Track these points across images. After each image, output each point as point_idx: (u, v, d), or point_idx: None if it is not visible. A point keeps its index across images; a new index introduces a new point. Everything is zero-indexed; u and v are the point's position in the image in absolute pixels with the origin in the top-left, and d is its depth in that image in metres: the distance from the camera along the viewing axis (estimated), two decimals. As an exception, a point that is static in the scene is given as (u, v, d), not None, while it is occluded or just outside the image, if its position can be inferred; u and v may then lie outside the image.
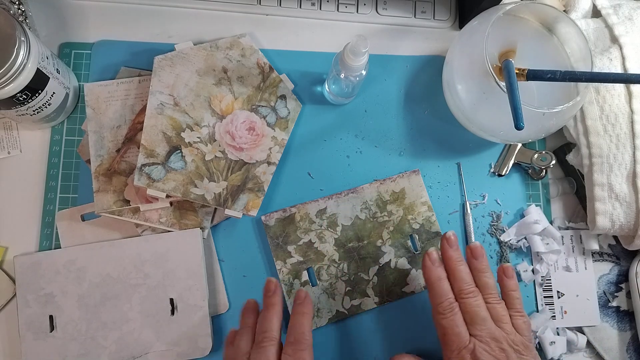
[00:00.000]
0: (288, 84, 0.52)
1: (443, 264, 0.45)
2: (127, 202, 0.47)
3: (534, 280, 0.53)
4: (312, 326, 0.48)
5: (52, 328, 0.46)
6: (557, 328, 0.52)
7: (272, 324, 0.41)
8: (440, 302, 0.43)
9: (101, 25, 0.53)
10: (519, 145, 0.54)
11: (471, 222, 0.52)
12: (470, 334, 0.42)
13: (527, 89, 0.47)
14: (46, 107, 0.46)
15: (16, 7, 0.49)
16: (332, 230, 0.50)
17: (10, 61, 0.40)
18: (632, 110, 0.49)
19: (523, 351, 0.42)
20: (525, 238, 0.53)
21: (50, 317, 0.46)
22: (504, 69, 0.44)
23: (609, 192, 0.49)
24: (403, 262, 0.51)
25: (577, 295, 0.53)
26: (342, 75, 0.46)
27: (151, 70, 0.49)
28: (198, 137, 0.48)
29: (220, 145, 0.49)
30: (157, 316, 0.47)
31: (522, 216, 0.53)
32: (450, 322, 0.42)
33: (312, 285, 0.49)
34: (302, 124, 0.53)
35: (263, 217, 0.50)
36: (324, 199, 0.51)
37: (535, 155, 0.52)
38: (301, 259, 0.50)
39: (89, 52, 0.52)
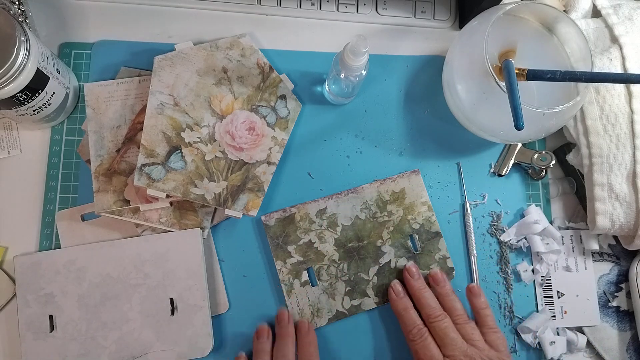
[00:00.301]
0: (288, 84, 0.52)
1: (407, 295, 0.48)
2: (127, 202, 0.47)
3: (534, 280, 0.53)
4: (312, 326, 0.48)
5: (52, 328, 0.46)
6: (557, 328, 0.52)
7: (289, 351, 0.45)
8: (410, 329, 0.46)
9: (101, 25, 0.53)
10: (519, 145, 0.54)
11: (471, 222, 0.52)
12: (444, 356, 0.44)
13: (527, 89, 0.47)
14: (46, 107, 0.46)
15: (16, 7, 0.49)
16: (332, 230, 0.50)
17: (10, 61, 0.40)
18: (632, 110, 0.49)
19: None
20: (525, 238, 0.53)
21: (50, 317, 0.46)
22: (504, 69, 0.44)
23: (609, 192, 0.49)
24: (403, 262, 0.51)
25: (577, 295, 0.53)
26: (342, 75, 0.46)
27: (151, 70, 0.49)
28: (198, 137, 0.48)
29: (220, 145, 0.49)
30: (157, 316, 0.47)
31: (522, 216, 0.53)
32: (422, 347, 0.45)
33: (312, 285, 0.49)
34: (302, 124, 0.53)
35: (263, 217, 0.50)
36: (324, 199, 0.51)
37: (535, 155, 0.52)
38: (301, 259, 0.50)
39: (89, 52, 0.52)
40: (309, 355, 0.45)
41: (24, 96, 0.43)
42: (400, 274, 0.50)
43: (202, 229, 0.48)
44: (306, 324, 0.47)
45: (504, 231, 0.53)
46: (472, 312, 0.49)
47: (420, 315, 0.47)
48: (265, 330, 0.47)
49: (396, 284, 0.49)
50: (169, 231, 0.48)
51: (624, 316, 0.53)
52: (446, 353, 0.44)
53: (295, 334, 0.47)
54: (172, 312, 0.47)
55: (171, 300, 0.47)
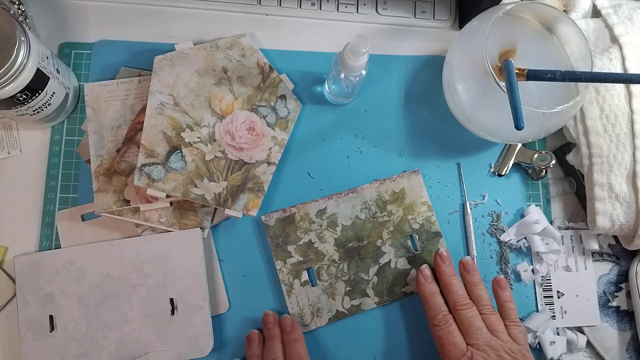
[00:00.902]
0: (288, 84, 0.52)
1: (435, 280, 0.48)
2: (127, 202, 0.47)
3: (534, 280, 0.53)
4: (313, 327, 0.48)
5: (52, 328, 0.46)
6: (557, 328, 0.52)
7: (278, 351, 0.45)
8: (435, 315, 0.46)
9: (101, 25, 0.53)
10: (519, 145, 0.54)
11: (471, 222, 0.52)
12: (467, 344, 0.44)
13: (527, 89, 0.47)
14: (46, 107, 0.46)
15: (16, 7, 0.49)
16: (332, 230, 0.50)
17: (10, 61, 0.40)
18: (632, 110, 0.49)
19: (521, 359, 0.43)
20: (525, 238, 0.53)
21: (50, 317, 0.46)
22: (504, 69, 0.44)
23: (609, 192, 0.49)
24: (403, 262, 0.51)
25: (577, 295, 0.53)
26: (342, 75, 0.46)
27: (151, 70, 0.49)
28: (198, 137, 0.48)
29: (220, 145, 0.49)
30: (157, 316, 0.47)
31: (522, 216, 0.53)
32: (446, 333, 0.44)
33: (312, 285, 0.49)
34: (302, 124, 0.53)
35: (263, 217, 0.50)
36: (324, 199, 0.51)
37: (535, 155, 0.52)
38: (301, 259, 0.50)
39: (89, 52, 0.52)
40: (296, 352, 0.45)
41: (24, 96, 0.43)
42: (401, 274, 0.50)
43: (202, 229, 0.48)
44: (289, 322, 0.47)
45: (504, 231, 0.53)
46: (496, 303, 0.48)
47: (445, 302, 0.47)
48: (255, 336, 0.47)
49: (425, 268, 0.48)
50: (169, 231, 0.48)
51: (624, 316, 0.53)
52: (470, 342, 0.44)
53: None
54: (172, 312, 0.47)
55: (171, 300, 0.47)
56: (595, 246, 0.53)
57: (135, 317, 0.46)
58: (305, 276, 0.49)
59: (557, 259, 0.53)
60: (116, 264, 0.47)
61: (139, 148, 0.47)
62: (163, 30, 0.53)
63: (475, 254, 0.52)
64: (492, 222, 0.53)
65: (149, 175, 0.46)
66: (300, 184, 0.52)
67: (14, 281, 0.47)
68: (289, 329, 0.46)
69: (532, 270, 0.52)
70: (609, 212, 0.49)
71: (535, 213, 0.53)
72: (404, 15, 0.56)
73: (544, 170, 0.53)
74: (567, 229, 0.54)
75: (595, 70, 0.48)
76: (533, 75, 0.44)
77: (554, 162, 0.52)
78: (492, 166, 0.54)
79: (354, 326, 0.50)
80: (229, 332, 0.49)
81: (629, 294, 0.53)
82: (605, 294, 0.53)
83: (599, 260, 0.54)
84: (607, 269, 0.54)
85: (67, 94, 0.48)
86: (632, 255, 0.54)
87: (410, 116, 0.54)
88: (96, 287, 0.47)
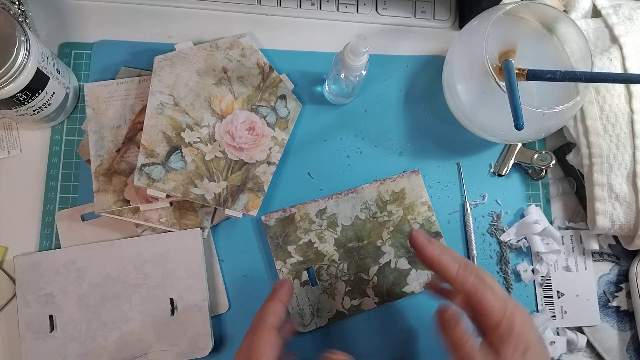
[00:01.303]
0: (288, 84, 0.52)
1: None
2: (127, 202, 0.47)
3: (534, 280, 0.53)
4: (313, 327, 0.48)
5: (52, 328, 0.46)
6: (557, 328, 0.52)
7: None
8: (455, 270, 0.38)
9: (101, 25, 0.53)
10: (519, 145, 0.54)
11: (471, 222, 0.52)
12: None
13: (527, 89, 0.47)
14: (46, 107, 0.46)
15: (16, 7, 0.49)
16: (332, 230, 0.50)
17: (10, 61, 0.40)
18: (632, 110, 0.49)
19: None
20: (525, 238, 0.53)
21: (50, 317, 0.46)
22: (504, 69, 0.44)
23: (609, 192, 0.49)
24: (403, 262, 0.51)
25: (577, 295, 0.53)
26: (342, 75, 0.46)
27: (151, 70, 0.49)
28: (198, 137, 0.48)
29: (220, 145, 0.49)
30: (157, 316, 0.47)
31: (522, 216, 0.53)
32: (479, 284, 0.37)
33: (312, 285, 0.49)
34: (302, 124, 0.53)
35: (263, 217, 0.50)
36: (324, 199, 0.51)
37: (535, 155, 0.52)
38: (301, 259, 0.50)
39: (89, 52, 0.52)
40: (258, 311, 0.40)
41: (24, 96, 0.43)
42: (401, 274, 0.50)
43: (202, 229, 0.48)
44: (277, 285, 0.43)
45: (504, 231, 0.53)
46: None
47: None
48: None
49: (420, 232, 0.41)
50: (169, 231, 0.48)
51: (624, 316, 0.53)
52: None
53: None
54: (172, 312, 0.47)
55: (171, 300, 0.47)
56: (595, 246, 0.53)
57: (135, 317, 0.46)
58: (305, 276, 0.49)
59: (557, 259, 0.53)
60: (116, 264, 0.47)
61: (139, 148, 0.47)
62: (163, 30, 0.53)
63: (475, 254, 0.52)
64: (492, 222, 0.53)
65: (149, 175, 0.46)
66: (300, 184, 0.52)
67: (14, 281, 0.47)
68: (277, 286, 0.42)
69: (532, 271, 0.52)
70: (609, 212, 0.49)
71: (535, 213, 0.53)
72: (404, 15, 0.56)
73: (544, 170, 0.53)
74: (567, 229, 0.54)
75: (595, 70, 0.48)
76: (533, 75, 0.44)
77: (554, 162, 0.52)
78: (492, 166, 0.54)
79: (354, 326, 0.50)
80: (229, 332, 0.49)
81: (629, 294, 0.53)
82: (605, 294, 0.53)
83: (599, 260, 0.54)
84: (607, 269, 0.54)
85: (67, 94, 0.48)
86: (632, 255, 0.54)
87: (410, 116, 0.54)
88: (96, 287, 0.47)
